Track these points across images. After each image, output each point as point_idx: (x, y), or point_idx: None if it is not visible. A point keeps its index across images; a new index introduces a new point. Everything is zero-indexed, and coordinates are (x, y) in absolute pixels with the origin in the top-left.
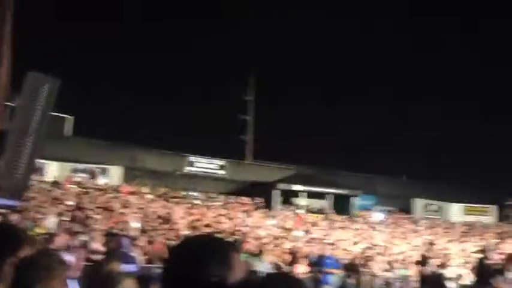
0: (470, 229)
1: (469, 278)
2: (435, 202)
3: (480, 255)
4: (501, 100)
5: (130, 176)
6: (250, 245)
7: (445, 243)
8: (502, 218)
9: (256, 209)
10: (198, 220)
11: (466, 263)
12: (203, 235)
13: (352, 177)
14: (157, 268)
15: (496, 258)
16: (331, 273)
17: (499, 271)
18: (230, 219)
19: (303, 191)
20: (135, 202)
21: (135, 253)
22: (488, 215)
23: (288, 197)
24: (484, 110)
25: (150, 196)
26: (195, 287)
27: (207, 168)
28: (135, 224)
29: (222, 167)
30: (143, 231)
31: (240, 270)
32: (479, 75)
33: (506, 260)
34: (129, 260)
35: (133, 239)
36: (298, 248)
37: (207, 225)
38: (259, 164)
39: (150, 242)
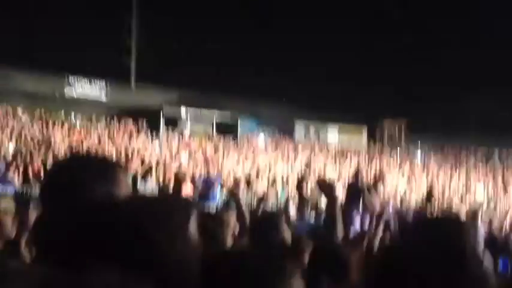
0: (346, 150)
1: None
2: (315, 125)
3: (353, 175)
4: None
5: (2, 96)
6: (134, 167)
7: (322, 164)
8: (376, 139)
9: (140, 132)
10: (79, 143)
11: (342, 183)
12: (84, 154)
13: (236, 100)
14: (35, 189)
15: (368, 176)
16: (216, 192)
17: (369, 188)
18: (113, 142)
19: (187, 114)
20: (9, 124)
21: (12, 175)
22: (362, 136)
23: (172, 120)
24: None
25: (26, 119)
26: (77, 206)
27: (88, 91)
28: (10, 147)
29: (104, 90)
30: (20, 154)
31: (125, 188)
32: None
33: (376, 178)
34: (5, 181)
35: (9, 162)
36: (183, 170)
37: (88, 149)
38: (142, 87)
39: (27, 165)
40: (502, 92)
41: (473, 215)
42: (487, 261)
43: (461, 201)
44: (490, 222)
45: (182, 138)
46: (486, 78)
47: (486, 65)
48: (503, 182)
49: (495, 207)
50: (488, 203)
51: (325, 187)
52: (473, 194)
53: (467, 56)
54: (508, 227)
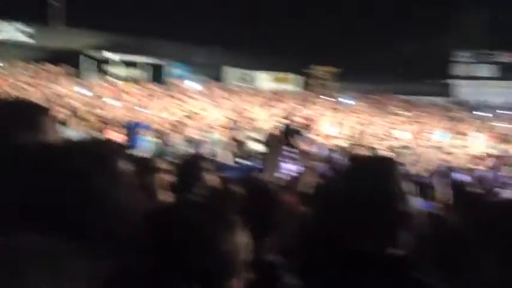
0: (276, 96)
1: None
2: (246, 71)
3: (284, 120)
4: None
5: None
6: (60, 113)
7: (253, 109)
8: (306, 85)
9: (65, 76)
10: (1, 89)
11: (273, 127)
12: (7, 100)
13: (166, 45)
14: None
15: (299, 121)
16: (145, 139)
17: (300, 132)
18: (37, 87)
19: (116, 59)
20: None
21: None
22: (293, 83)
23: (100, 65)
24: None
25: None
26: (2, 155)
27: (10, 34)
28: None
29: (27, 33)
30: None
31: (52, 135)
32: None
33: (306, 122)
34: None
35: None
36: (111, 115)
37: (11, 95)
38: (68, 30)
39: None
40: (425, 42)
41: (395, 158)
42: (414, 200)
43: (384, 145)
44: (410, 166)
45: (109, 83)
46: (412, 28)
47: (412, 15)
48: (423, 128)
49: (415, 152)
50: (408, 147)
51: (272, 139)
52: (395, 138)
53: (395, 6)
54: (426, 171)
